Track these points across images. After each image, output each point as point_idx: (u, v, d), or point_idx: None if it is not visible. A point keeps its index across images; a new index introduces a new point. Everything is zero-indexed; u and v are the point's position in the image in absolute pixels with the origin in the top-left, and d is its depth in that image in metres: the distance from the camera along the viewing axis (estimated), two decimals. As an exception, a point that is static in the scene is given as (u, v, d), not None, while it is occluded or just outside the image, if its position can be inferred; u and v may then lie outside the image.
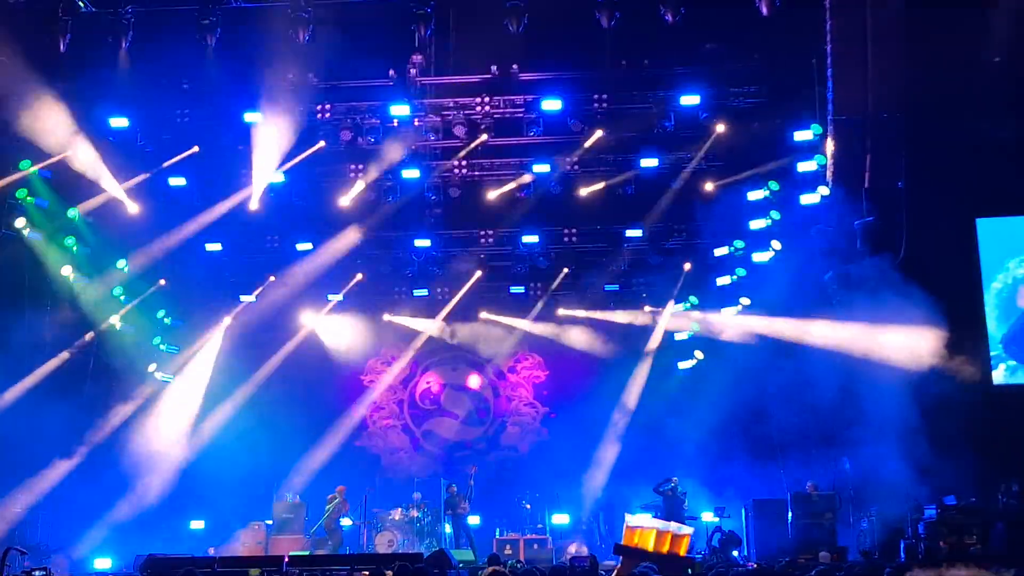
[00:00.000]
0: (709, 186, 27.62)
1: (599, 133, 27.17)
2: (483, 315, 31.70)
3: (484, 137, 27.56)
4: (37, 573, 17.25)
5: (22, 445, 26.47)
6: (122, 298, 28.34)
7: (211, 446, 29.38)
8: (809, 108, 26.16)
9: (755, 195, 27.05)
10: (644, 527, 19.37)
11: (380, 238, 29.91)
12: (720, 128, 26.85)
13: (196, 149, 27.42)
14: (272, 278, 30.00)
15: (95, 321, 28.23)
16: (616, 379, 30.14)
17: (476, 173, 28.91)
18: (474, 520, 28.42)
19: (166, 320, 29.46)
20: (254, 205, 28.13)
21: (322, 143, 27.67)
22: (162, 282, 28.98)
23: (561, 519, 28.60)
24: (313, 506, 28.28)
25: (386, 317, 31.57)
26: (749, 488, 27.23)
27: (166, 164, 27.49)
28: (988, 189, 25.10)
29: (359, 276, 30.45)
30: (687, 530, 19.71)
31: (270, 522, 27.81)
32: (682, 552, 18.95)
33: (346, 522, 27.88)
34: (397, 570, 14.90)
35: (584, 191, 28.40)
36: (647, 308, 30.57)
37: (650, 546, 18.86)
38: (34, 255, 27.15)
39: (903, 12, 24.45)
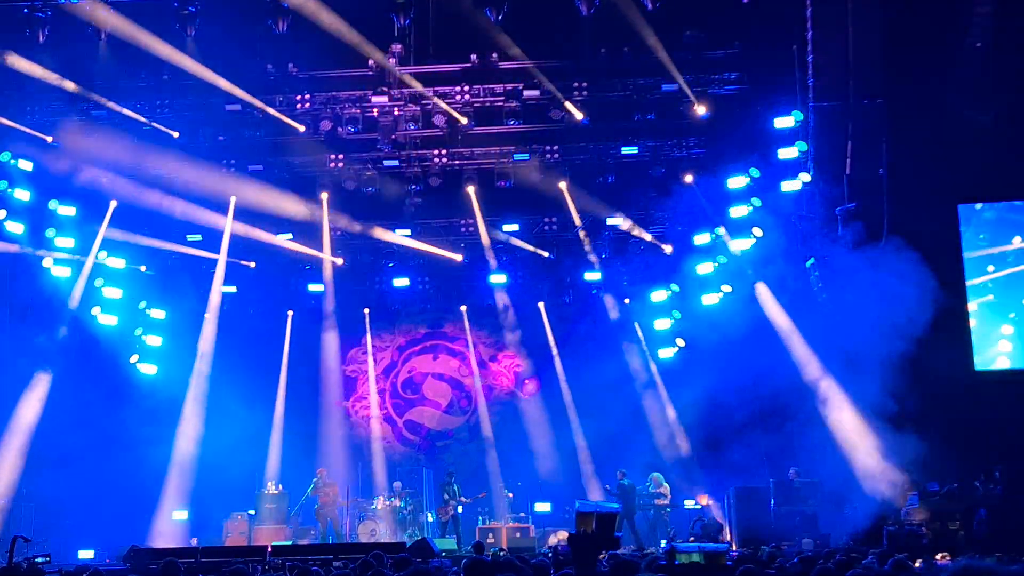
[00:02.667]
0: (689, 176, 27.69)
1: (579, 114, 27.10)
2: (463, 307, 31.75)
3: (465, 120, 27.44)
4: (40, 560, 17.51)
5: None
6: (103, 289, 28.24)
7: (194, 437, 29.26)
8: (790, 95, 26.16)
9: (736, 182, 27.03)
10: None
11: (360, 228, 29.85)
12: (700, 115, 26.80)
13: (176, 134, 27.32)
14: (252, 263, 29.95)
15: (76, 312, 28.10)
16: (597, 368, 30.10)
17: (457, 162, 28.87)
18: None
19: (148, 311, 29.32)
20: (234, 196, 28.24)
21: (302, 127, 27.61)
22: (143, 268, 28.92)
23: (543, 507, 28.60)
24: (296, 496, 28.26)
25: (366, 309, 31.50)
26: (731, 474, 27.22)
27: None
28: (970, 175, 25.07)
29: (339, 261, 30.36)
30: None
31: (253, 512, 27.74)
32: None
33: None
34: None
35: (564, 179, 28.42)
36: (626, 300, 30.58)
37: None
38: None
39: (884, -2, 24.51)
